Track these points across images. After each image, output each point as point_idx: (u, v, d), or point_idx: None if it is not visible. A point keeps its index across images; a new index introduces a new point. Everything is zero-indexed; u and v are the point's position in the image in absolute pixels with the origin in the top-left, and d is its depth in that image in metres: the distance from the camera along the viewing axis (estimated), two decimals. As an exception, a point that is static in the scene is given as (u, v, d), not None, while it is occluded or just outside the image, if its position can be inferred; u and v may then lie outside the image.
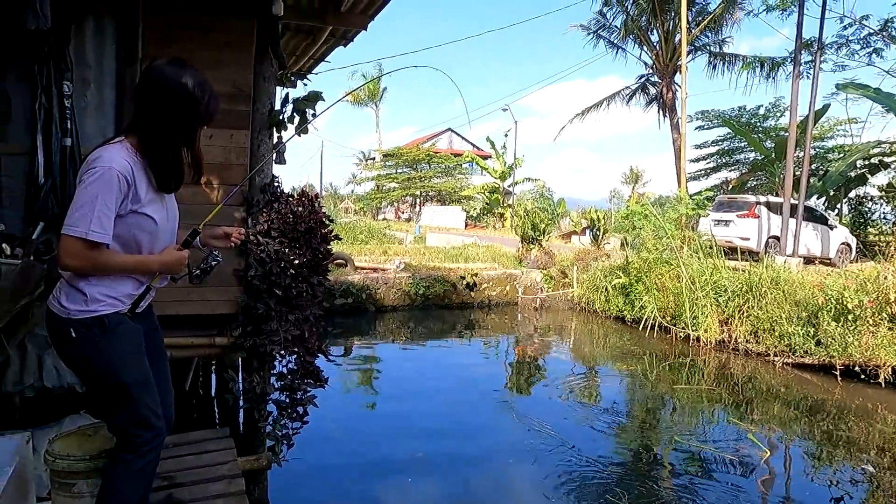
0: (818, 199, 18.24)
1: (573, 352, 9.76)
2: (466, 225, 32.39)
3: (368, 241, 19.41)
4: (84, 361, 1.98)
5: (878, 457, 5.30)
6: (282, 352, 3.64)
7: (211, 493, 2.66)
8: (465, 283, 11.86)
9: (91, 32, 3.33)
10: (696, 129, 23.37)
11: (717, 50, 21.29)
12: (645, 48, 21.81)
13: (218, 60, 3.54)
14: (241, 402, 4.01)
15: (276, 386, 3.71)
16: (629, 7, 20.93)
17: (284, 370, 3.71)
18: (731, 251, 11.51)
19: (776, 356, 8.14)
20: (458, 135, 44.00)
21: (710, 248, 10.46)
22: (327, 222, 3.78)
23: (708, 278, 9.50)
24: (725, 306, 9.10)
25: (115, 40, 3.37)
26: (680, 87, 18.45)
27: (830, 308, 7.64)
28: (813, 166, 18.33)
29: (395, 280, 11.32)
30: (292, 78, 4.24)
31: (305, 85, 4.13)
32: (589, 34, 22.07)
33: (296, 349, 3.64)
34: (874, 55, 12.79)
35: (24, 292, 2.60)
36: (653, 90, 22.67)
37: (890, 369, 6.99)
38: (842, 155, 17.46)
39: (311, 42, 5.06)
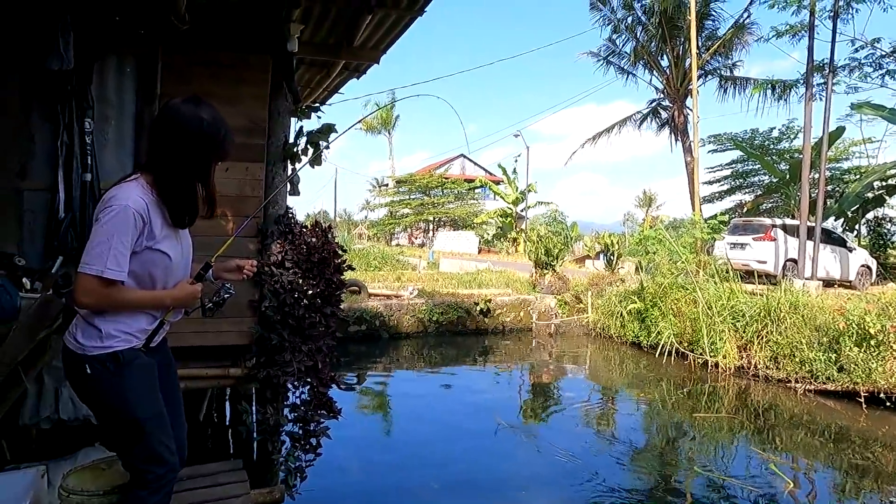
0: (835, 220, 18.02)
1: (589, 378, 9.63)
2: (479, 250, 32.40)
3: (382, 267, 19.48)
4: (98, 397, 2.00)
5: (908, 488, 5.13)
6: (295, 382, 3.64)
7: (224, 528, 2.64)
8: (479, 308, 11.81)
9: (112, 71, 3.44)
10: (708, 152, 23.36)
11: (728, 73, 21.38)
12: (655, 73, 21.98)
13: (234, 96, 3.62)
14: (254, 434, 4.00)
15: (290, 417, 3.70)
16: (639, 34, 21.16)
17: (298, 401, 3.70)
18: (747, 275, 11.36)
19: (797, 382, 7.97)
20: (471, 160, 44.34)
21: (727, 272, 10.34)
22: (340, 252, 3.81)
23: (725, 303, 9.37)
24: (744, 331, 8.95)
25: (135, 79, 3.47)
26: (692, 110, 18.50)
27: (852, 333, 7.48)
28: (829, 188, 18.16)
29: (409, 306, 11.31)
30: (306, 110, 4.32)
31: (319, 118, 4.20)
32: (599, 61, 22.31)
33: (309, 380, 3.64)
34: (887, 77, 12.74)
35: (42, 326, 2.64)
36: (664, 114, 22.76)
37: (916, 396, 6.80)
38: (858, 176, 17.31)
39: (325, 75, 5.17)
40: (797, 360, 8.05)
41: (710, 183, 24.68)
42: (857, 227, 18.40)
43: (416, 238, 40.25)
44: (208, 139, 1.97)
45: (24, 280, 3.01)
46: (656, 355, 9.81)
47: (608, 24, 21.39)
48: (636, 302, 10.88)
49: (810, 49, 11.67)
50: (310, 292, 3.62)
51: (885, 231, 17.66)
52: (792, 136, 21.08)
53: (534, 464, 5.48)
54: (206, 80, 3.60)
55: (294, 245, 3.67)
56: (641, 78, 22.45)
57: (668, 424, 7.14)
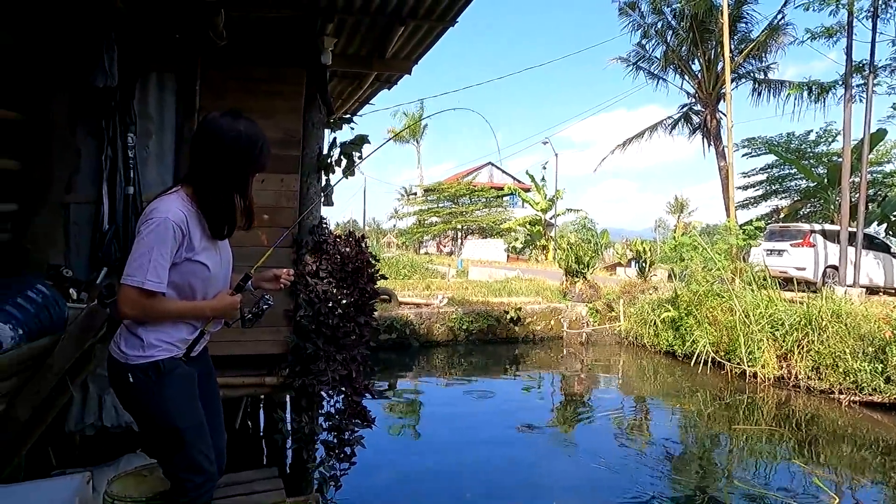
0: (878, 225, 17.43)
1: (622, 387, 9.47)
2: (508, 258, 32.25)
3: (411, 275, 19.53)
4: (140, 406, 2.04)
5: (963, 505, 4.89)
6: (329, 391, 3.67)
7: (261, 536, 2.66)
8: (509, 317, 11.74)
9: (154, 88, 3.55)
10: (742, 156, 22.87)
11: (762, 76, 20.91)
12: (686, 77, 21.63)
13: (270, 109, 3.69)
14: (289, 442, 4.04)
15: (325, 426, 3.72)
16: (669, 38, 20.88)
17: (332, 410, 3.72)
18: (785, 282, 11.06)
19: (841, 394, 7.69)
20: (499, 168, 44.25)
21: (764, 279, 10.07)
22: (374, 262, 3.83)
23: (763, 311, 9.12)
24: (783, 341, 8.69)
25: (175, 94, 3.57)
26: (724, 115, 18.15)
27: (899, 342, 7.21)
28: (870, 192, 17.59)
29: (439, 315, 11.31)
30: (339, 122, 4.39)
31: (352, 129, 4.26)
32: (629, 66, 22.08)
33: (343, 389, 3.66)
34: (931, 76, 12.30)
35: (88, 336, 2.72)
36: (696, 119, 22.37)
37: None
38: (901, 180, 16.72)
39: (357, 86, 5.23)
40: (841, 370, 7.78)
41: (744, 188, 24.15)
42: (901, 232, 17.76)
43: (444, 246, 40.29)
44: (246, 152, 2.01)
45: (71, 291, 3.10)
46: (691, 364, 9.60)
47: (637, 29, 21.19)
48: (670, 310, 10.67)
49: (849, 49, 11.36)
50: (344, 301, 3.65)
51: (932, 236, 17.01)
52: (830, 140, 20.51)
53: (568, 473, 5.41)
54: (243, 93, 3.68)
55: (328, 255, 3.71)
56: (672, 82, 22.15)
57: (705, 436, 6.96)
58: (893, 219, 16.80)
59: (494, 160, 43.13)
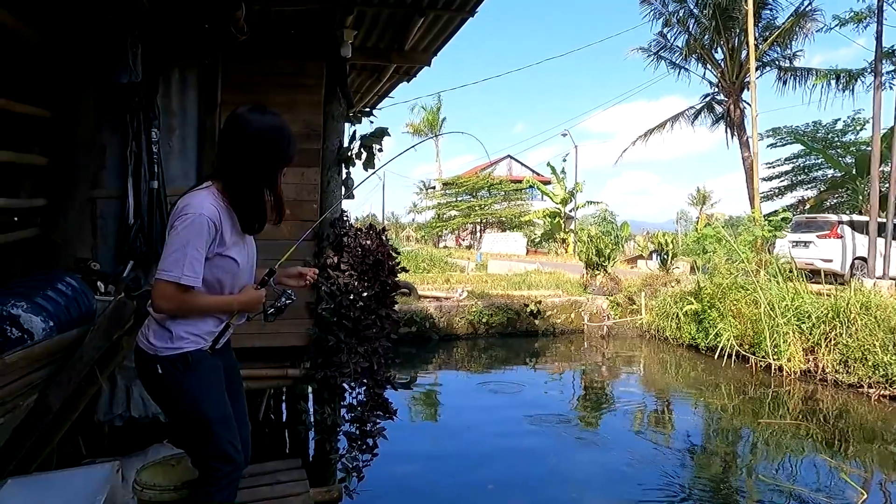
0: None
1: (645, 381, 9.39)
2: (528, 251, 32.12)
3: (430, 269, 19.58)
4: (168, 397, 2.07)
5: None
6: (352, 383, 3.70)
7: (286, 526, 2.69)
8: (529, 310, 11.70)
9: (176, 83, 3.59)
10: (767, 146, 22.44)
11: (788, 64, 20.43)
12: (709, 66, 21.23)
13: (290, 103, 3.71)
14: (311, 434, 4.08)
15: (347, 417, 3.75)
16: (691, 26, 20.52)
17: (354, 402, 3.75)
18: (812, 274, 10.84)
19: (870, 388, 7.53)
20: (518, 161, 44.05)
21: (790, 271, 9.88)
22: (394, 255, 3.84)
23: (789, 304, 8.94)
24: (810, 334, 8.52)
25: (198, 89, 3.61)
26: (749, 104, 17.80)
27: (931, 335, 7.03)
28: (901, 181, 17.11)
29: (458, 308, 11.32)
30: (359, 115, 4.40)
31: (372, 122, 4.26)
32: (649, 56, 21.75)
33: (365, 381, 3.69)
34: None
35: (117, 328, 2.77)
36: (719, 109, 21.97)
37: None
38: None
39: (376, 80, 5.23)
40: (870, 363, 7.61)
41: (769, 179, 23.69)
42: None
43: (463, 240, 40.29)
44: (274, 145, 2.02)
45: (99, 284, 3.16)
46: (715, 358, 9.47)
47: (659, 18, 20.84)
48: (693, 303, 10.53)
49: (879, 34, 11.06)
50: (365, 294, 3.67)
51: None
52: (858, 128, 20.03)
53: (589, 464, 5.39)
54: (264, 87, 3.70)
55: (349, 248, 3.72)
56: (694, 72, 21.74)
57: (730, 429, 6.88)
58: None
59: (513, 152, 42.92)
